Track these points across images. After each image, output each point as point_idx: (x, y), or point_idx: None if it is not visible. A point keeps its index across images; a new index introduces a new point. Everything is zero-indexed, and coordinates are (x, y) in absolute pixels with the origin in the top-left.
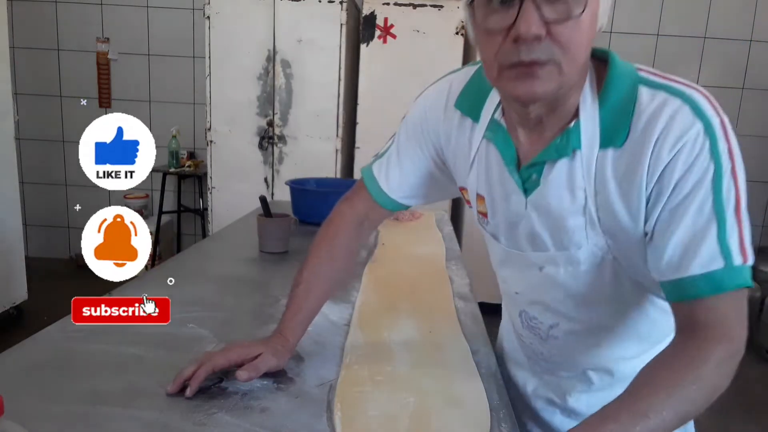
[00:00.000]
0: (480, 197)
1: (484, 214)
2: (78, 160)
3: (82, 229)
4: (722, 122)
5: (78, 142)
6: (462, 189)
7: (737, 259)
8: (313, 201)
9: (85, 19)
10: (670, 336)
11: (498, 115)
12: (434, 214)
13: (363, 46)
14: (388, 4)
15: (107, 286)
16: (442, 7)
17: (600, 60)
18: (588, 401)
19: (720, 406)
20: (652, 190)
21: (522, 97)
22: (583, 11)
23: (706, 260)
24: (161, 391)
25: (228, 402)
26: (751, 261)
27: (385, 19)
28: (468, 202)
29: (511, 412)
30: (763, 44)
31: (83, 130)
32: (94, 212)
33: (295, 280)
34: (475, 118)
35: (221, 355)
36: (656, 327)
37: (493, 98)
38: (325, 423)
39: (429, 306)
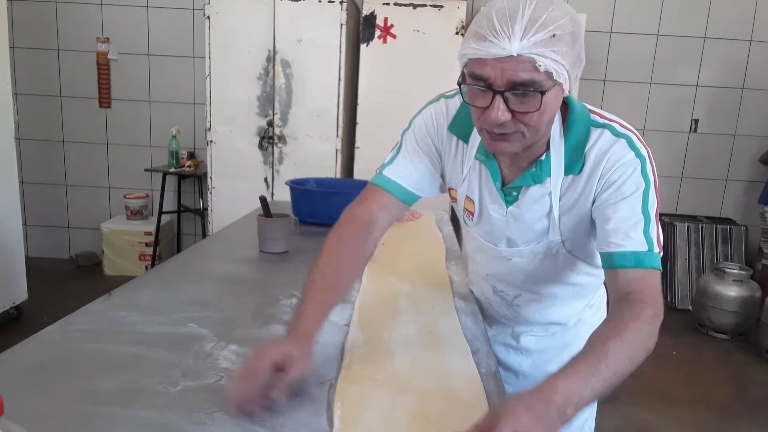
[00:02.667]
0: (469, 199)
1: (471, 213)
2: (78, 159)
3: (82, 229)
4: (648, 154)
5: (78, 142)
6: (451, 189)
7: (655, 249)
8: (313, 201)
9: (85, 19)
10: (596, 291)
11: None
12: (434, 214)
13: (363, 46)
14: (388, 4)
15: (106, 287)
16: (442, 7)
17: (564, 104)
18: (536, 342)
19: (720, 405)
20: (598, 195)
21: (494, 152)
22: (539, 108)
23: (635, 243)
24: (161, 390)
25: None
26: (662, 253)
27: (385, 19)
28: (454, 198)
29: None
30: (763, 44)
31: (83, 130)
32: (94, 212)
33: (310, 278)
34: (465, 140)
35: (265, 370)
36: (586, 288)
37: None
38: (325, 422)
39: (429, 306)
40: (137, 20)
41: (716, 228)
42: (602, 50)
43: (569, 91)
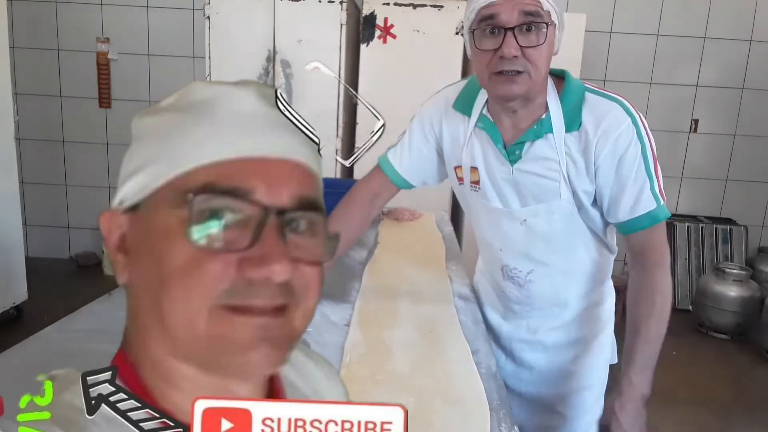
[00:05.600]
0: (474, 169)
1: (477, 182)
2: (78, 159)
3: (82, 229)
4: (641, 118)
5: (78, 142)
6: (456, 167)
7: (661, 201)
8: None
9: (85, 19)
10: (608, 277)
11: (485, 111)
12: (434, 214)
13: (363, 46)
14: (388, 4)
15: (107, 287)
16: (442, 7)
17: (559, 77)
18: (554, 335)
19: (720, 405)
20: (600, 163)
21: (505, 95)
22: (544, 42)
23: (645, 204)
24: None
25: None
26: (665, 200)
27: (385, 19)
28: (460, 179)
29: (511, 412)
30: (763, 44)
31: (83, 130)
32: (94, 212)
33: None
34: (468, 113)
35: None
36: (599, 269)
37: (480, 100)
38: None
39: (429, 306)
40: (137, 20)
41: (716, 228)
42: (602, 50)
43: (557, 52)
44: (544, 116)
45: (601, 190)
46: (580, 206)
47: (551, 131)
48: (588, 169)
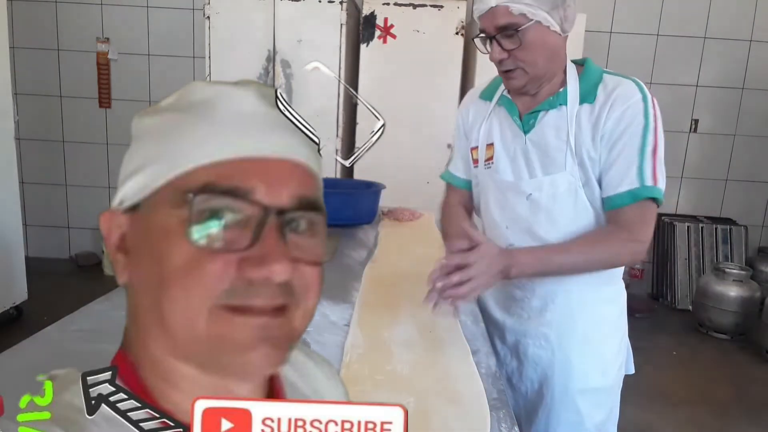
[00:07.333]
0: (489, 145)
1: (491, 158)
2: (78, 159)
3: (82, 229)
4: (652, 99)
5: (78, 142)
6: (473, 149)
7: (648, 182)
8: None
9: (85, 19)
10: (617, 276)
11: (505, 92)
12: (434, 214)
13: (363, 46)
14: (388, 4)
15: (107, 287)
16: (442, 7)
17: (580, 65)
18: (558, 328)
19: (720, 405)
20: (605, 131)
21: (509, 89)
22: (520, 45)
23: (629, 182)
24: None
25: None
26: (660, 185)
27: (385, 19)
28: (475, 161)
29: (511, 412)
30: (763, 44)
31: (83, 130)
32: (94, 212)
33: (446, 222)
34: (490, 99)
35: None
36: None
37: (502, 86)
38: None
39: (429, 306)
40: (137, 20)
41: (716, 228)
42: (602, 50)
43: (563, 31)
44: (561, 90)
45: (600, 159)
46: (585, 181)
47: (565, 103)
48: (594, 137)
